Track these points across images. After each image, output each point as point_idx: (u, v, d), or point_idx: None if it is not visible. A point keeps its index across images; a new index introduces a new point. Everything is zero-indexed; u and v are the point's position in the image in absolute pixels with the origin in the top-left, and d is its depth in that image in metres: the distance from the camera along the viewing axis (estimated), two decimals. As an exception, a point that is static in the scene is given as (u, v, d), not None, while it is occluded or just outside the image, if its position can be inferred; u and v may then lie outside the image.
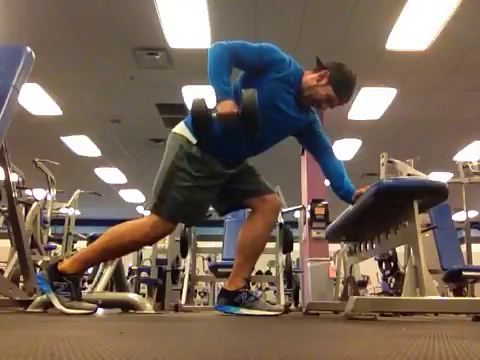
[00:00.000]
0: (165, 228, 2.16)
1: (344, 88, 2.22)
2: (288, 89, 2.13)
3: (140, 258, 6.35)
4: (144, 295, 5.20)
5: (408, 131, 7.54)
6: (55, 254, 5.84)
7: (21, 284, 3.26)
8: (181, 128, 2.18)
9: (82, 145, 8.37)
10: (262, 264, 7.24)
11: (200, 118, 1.99)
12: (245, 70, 2.17)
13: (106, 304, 2.80)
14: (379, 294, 8.16)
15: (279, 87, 2.12)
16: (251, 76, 2.12)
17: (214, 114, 1.98)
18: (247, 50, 2.10)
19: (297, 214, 6.37)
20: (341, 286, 4.44)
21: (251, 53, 2.10)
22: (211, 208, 2.37)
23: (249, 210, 2.45)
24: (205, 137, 2.08)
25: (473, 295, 4.38)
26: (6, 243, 3.96)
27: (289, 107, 2.16)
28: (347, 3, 4.60)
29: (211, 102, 2.00)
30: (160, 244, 5.91)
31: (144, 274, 5.90)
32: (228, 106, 1.96)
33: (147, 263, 6.23)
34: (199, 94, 2.11)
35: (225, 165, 2.16)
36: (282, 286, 4.67)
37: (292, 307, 5.08)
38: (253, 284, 8.24)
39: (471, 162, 4.91)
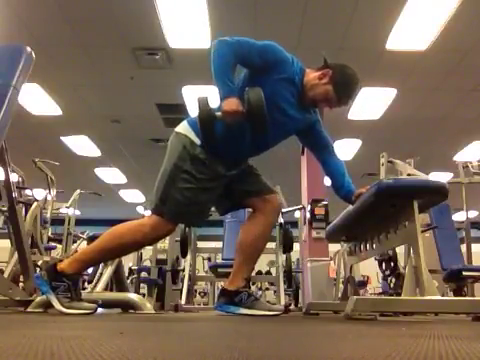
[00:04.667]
0: (166, 229, 2.15)
1: (344, 89, 2.18)
2: (291, 89, 2.11)
3: (140, 258, 6.35)
4: (144, 295, 5.20)
5: (408, 131, 7.54)
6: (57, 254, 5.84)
7: (21, 284, 3.26)
8: (184, 128, 2.15)
9: (82, 145, 8.36)
10: (262, 264, 7.26)
11: (205, 116, 1.93)
12: (248, 69, 2.12)
13: (106, 304, 2.80)
14: (379, 294, 8.18)
15: (282, 88, 2.09)
16: (254, 76, 2.09)
17: (219, 113, 1.93)
18: (251, 48, 2.04)
19: (297, 214, 6.37)
20: (341, 286, 4.44)
21: (255, 52, 2.04)
22: (212, 208, 2.37)
23: (249, 210, 2.45)
24: (210, 137, 2.01)
25: (473, 295, 4.38)
26: (6, 243, 3.96)
27: (292, 108, 2.14)
28: (347, 3, 4.59)
29: (215, 102, 1.98)
30: (160, 244, 5.90)
31: (144, 274, 5.90)
32: (233, 104, 1.92)
33: (147, 263, 6.23)
34: (203, 93, 2.03)
35: (227, 166, 2.15)
36: (282, 286, 4.67)
37: (292, 307, 5.09)
38: (253, 284, 8.24)
39: (471, 162, 4.91)
